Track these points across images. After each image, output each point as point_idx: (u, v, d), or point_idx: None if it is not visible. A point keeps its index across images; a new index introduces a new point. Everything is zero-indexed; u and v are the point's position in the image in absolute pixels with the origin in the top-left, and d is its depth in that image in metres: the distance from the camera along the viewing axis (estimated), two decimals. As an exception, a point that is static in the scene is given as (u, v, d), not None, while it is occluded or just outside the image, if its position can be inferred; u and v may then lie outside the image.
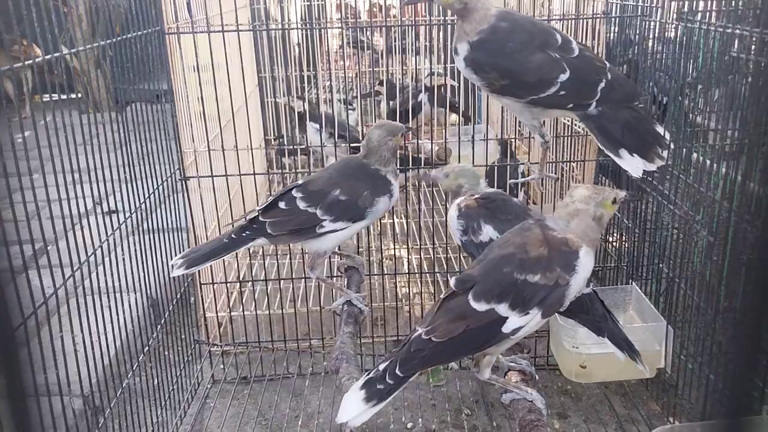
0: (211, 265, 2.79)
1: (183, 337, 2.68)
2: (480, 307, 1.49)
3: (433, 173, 2.12)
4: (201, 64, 2.65)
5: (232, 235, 1.99)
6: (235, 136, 3.02)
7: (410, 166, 3.83)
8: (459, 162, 2.97)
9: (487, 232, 1.93)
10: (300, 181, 2.06)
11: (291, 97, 4.02)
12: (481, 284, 1.51)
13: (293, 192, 2.00)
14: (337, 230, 2.00)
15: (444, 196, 3.98)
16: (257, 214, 1.99)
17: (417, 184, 3.39)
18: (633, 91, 1.91)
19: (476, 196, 2.01)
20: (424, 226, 3.69)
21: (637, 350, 1.79)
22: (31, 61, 1.64)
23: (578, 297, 1.71)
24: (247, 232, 1.98)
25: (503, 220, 1.93)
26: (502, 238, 1.65)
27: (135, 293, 2.27)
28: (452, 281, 1.56)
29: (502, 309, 1.49)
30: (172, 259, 2.52)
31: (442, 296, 1.57)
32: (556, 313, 2.14)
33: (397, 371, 1.47)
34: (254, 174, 2.88)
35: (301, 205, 1.97)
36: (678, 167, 2.39)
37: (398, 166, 2.16)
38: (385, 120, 2.12)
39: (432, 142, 3.63)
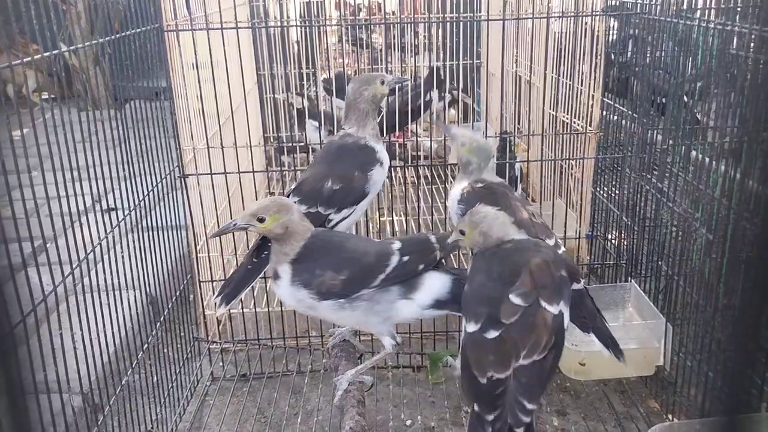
0: (210, 264, 2.80)
1: (182, 334, 2.68)
2: (554, 310, 1.57)
3: (453, 129, 2.04)
4: (200, 61, 2.65)
5: (254, 259, 1.97)
6: (234, 134, 3.02)
7: (409, 162, 3.84)
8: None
9: None
10: (293, 185, 2.05)
11: (290, 94, 4.02)
12: (548, 290, 1.58)
13: (290, 198, 1.99)
14: (346, 217, 1.99)
15: (443, 194, 3.98)
16: None
17: (417, 181, 3.38)
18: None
19: (480, 184, 1.98)
20: (423, 224, 3.69)
21: (621, 349, 1.83)
22: (29, 59, 1.64)
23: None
24: (265, 253, 1.95)
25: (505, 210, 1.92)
26: (514, 257, 1.65)
27: (134, 291, 2.27)
28: (517, 299, 1.56)
29: (563, 306, 1.60)
30: (171, 257, 2.53)
31: (504, 321, 1.55)
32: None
33: (529, 405, 1.51)
34: (253, 171, 2.88)
35: (302, 208, 1.96)
36: (677, 165, 2.39)
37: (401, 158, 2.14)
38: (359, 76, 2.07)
39: (431, 140, 3.64)
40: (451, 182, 2.26)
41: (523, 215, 1.93)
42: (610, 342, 1.84)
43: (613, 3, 2.85)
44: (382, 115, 4.04)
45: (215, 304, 1.99)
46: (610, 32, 2.83)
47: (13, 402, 0.57)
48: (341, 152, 2.02)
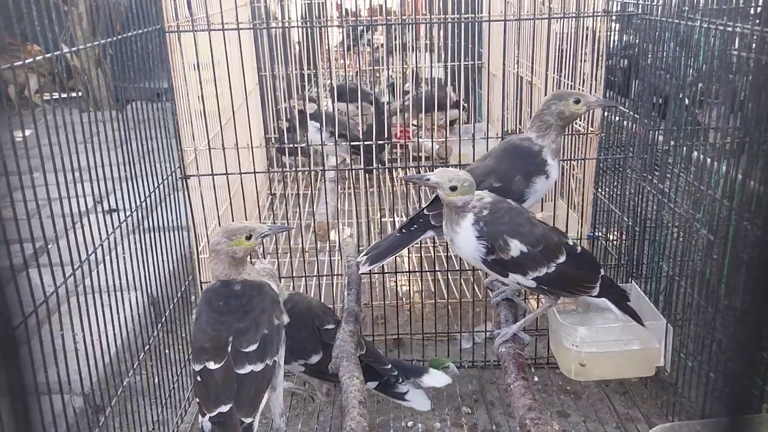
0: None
1: (183, 335, 2.68)
2: None
3: (432, 179, 1.84)
4: (201, 62, 2.65)
5: (402, 230, 2.10)
6: (236, 135, 3.02)
7: (410, 164, 3.84)
8: (460, 162, 2.97)
9: (516, 246, 1.81)
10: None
11: (300, 102, 4.02)
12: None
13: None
14: None
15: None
16: (422, 209, 2.10)
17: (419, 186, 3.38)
18: None
19: (486, 210, 1.83)
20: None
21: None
22: (30, 60, 1.64)
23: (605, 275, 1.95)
24: (415, 226, 2.09)
25: (524, 231, 1.84)
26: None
27: (135, 292, 2.27)
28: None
29: None
30: (173, 258, 2.53)
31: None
32: (557, 310, 2.15)
33: None
34: (255, 172, 2.88)
35: None
36: (678, 165, 2.39)
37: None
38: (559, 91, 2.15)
39: (432, 141, 3.64)
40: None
41: (537, 226, 1.90)
42: (635, 315, 1.96)
43: (615, 3, 2.85)
44: (408, 100, 4.09)
45: (359, 263, 2.10)
46: (612, 33, 2.82)
47: (15, 403, 0.57)
48: (515, 152, 2.05)
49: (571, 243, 1.91)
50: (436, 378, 2.25)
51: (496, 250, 1.81)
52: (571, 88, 2.92)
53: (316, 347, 2.21)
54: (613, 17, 2.76)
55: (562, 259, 1.84)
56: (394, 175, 4.34)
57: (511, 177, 2.01)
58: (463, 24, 4.13)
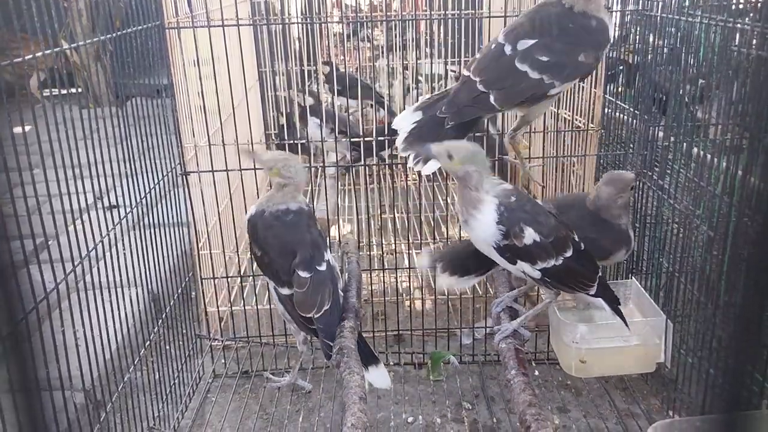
0: (212, 261, 2.80)
1: (184, 331, 2.68)
2: None
3: (433, 149, 1.85)
4: (201, 58, 2.65)
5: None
6: (236, 131, 3.02)
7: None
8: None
9: (530, 234, 1.81)
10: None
11: (299, 94, 4.01)
12: None
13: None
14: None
15: (445, 191, 3.98)
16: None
17: (418, 178, 3.38)
18: None
19: (513, 198, 1.83)
20: (424, 220, 3.69)
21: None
22: (30, 57, 1.64)
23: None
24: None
25: (540, 221, 1.84)
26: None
27: (136, 288, 2.27)
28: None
29: None
30: (173, 254, 2.53)
31: None
32: (557, 307, 2.15)
33: None
34: (255, 169, 2.87)
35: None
36: (678, 162, 2.39)
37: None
38: (614, 172, 2.18)
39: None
40: (452, 180, 2.19)
41: (550, 217, 1.89)
42: (624, 319, 1.99)
43: (616, 1, 2.85)
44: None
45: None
46: (612, 28, 2.82)
47: (19, 399, 0.57)
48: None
49: (576, 239, 1.92)
50: (378, 378, 2.11)
51: (510, 236, 1.81)
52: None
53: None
54: (614, 13, 2.75)
55: (569, 253, 1.86)
56: (393, 171, 4.34)
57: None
58: (463, 20, 4.12)
